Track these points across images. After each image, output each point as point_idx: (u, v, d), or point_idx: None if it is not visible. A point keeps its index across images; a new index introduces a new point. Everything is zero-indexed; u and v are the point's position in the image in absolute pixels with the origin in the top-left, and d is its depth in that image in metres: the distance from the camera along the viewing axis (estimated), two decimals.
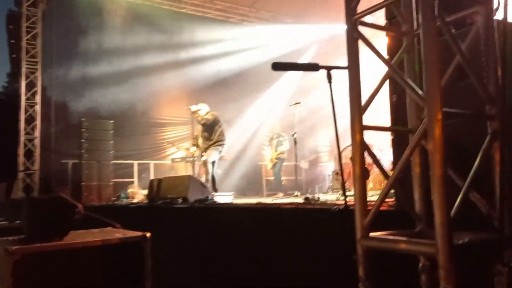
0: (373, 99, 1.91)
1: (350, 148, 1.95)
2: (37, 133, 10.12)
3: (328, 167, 10.17)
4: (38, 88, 10.20)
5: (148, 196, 6.17)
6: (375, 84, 1.98)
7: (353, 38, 1.91)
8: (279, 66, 2.82)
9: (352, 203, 1.96)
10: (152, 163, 10.31)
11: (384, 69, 1.95)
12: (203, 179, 6.92)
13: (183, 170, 9.15)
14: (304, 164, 10.28)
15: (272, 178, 9.86)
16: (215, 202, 5.34)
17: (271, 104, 12.35)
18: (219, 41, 11.32)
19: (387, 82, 2.16)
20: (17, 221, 3.18)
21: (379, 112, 2.68)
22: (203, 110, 7.41)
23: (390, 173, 2.00)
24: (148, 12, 10.52)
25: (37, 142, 10.09)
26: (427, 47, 1.58)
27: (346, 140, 2.23)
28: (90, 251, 2.37)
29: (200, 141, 7.47)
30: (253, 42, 11.78)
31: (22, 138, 9.98)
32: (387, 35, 2.60)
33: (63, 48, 9.71)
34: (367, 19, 1.93)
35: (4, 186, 9.33)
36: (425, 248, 1.60)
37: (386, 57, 2.20)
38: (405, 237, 1.73)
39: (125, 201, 7.39)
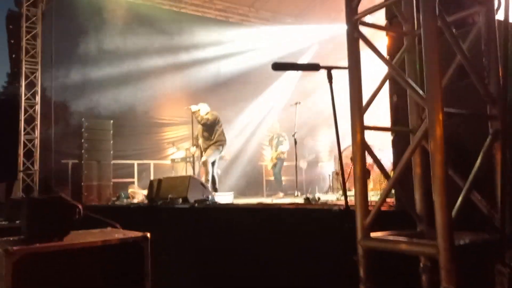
0: (373, 99, 1.91)
1: (351, 148, 1.94)
2: (37, 133, 10.10)
3: (328, 167, 10.17)
4: (38, 88, 10.19)
5: (148, 196, 6.16)
6: (376, 84, 1.98)
7: (354, 38, 1.91)
8: (279, 66, 2.82)
9: (352, 203, 1.96)
10: (152, 163, 10.30)
11: (384, 69, 1.95)
12: (203, 179, 6.91)
13: (183, 170, 9.15)
14: (303, 164, 10.28)
15: (272, 178, 9.86)
16: (215, 202, 5.33)
17: (271, 104, 12.35)
18: (219, 42, 11.33)
19: (388, 82, 2.16)
20: (17, 221, 3.18)
21: (380, 112, 2.67)
22: (203, 110, 7.41)
23: (391, 173, 1.99)
24: (148, 12, 10.52)
25: (37, 142, 10.08)
26: (428, 47, 1.57)
27: (347, 140, 2.23)
28: (90, 252, 2.37)
29: (200, 141, 7.46)
30: (253, 43, 11.78)
31: (22, 138, 9.97)
32: (387, 35, 2.59)
33: (63, 48, 9.69)
34: (367, 19, 1.93)
35: (4, 186, 9.30)
36: (426, 249, 1.60)
37: (387, 57, 2.19)
38: (406, 237, 1.73)
39: (125, 201, 7.38)
